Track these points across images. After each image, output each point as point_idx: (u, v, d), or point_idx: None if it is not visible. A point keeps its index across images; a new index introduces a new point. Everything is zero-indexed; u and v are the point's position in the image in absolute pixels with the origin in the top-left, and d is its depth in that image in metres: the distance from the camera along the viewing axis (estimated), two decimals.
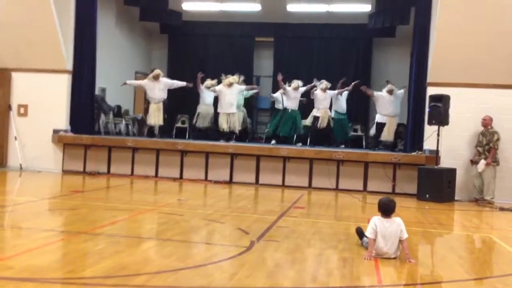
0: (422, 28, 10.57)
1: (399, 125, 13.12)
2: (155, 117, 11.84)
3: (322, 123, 11.82)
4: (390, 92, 11.44)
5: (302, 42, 15.70)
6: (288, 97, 12.04)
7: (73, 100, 11.68)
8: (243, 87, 12.27)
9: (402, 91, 11.56)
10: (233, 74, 12.13)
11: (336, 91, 12.15)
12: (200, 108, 12.72)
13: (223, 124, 11.74)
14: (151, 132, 12.18)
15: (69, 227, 6.11)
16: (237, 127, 11.89)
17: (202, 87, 12.59)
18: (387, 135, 11.49)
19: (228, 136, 11.78)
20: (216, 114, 12.21)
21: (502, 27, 9.53)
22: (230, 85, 11.85)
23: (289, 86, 12.10)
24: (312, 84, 12.12)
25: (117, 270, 4.17)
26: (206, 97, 12.67)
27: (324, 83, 11.97)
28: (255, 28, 15.80)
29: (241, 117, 12.42)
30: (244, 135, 12.64)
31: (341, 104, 12.41)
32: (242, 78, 12.44)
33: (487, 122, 9.73)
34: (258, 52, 16.27)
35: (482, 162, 9.52)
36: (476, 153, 9.80)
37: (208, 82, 12.53)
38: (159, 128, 12.04)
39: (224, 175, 10.95)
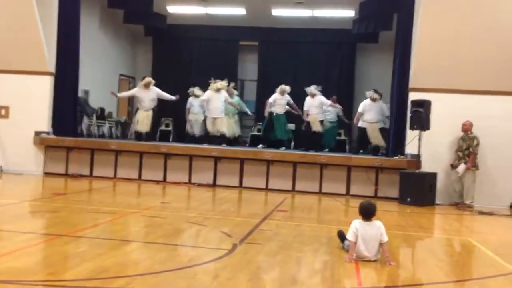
0: (405, 34, 10.71)
1: (381, 129, 13.31)
2: (144, 124, 11.86)
3: (314, 127, 11.92)
4: (373, 100, 11.51)
5: (286, 46, 15.78)
6: (275, 102, 12.11)
7: (55, 102, 11.58)
8: (229, 99, 12.35)
9: (386, 106, 11.76)
10: (222, 79, 12.19)
11: (329, 102, 12.24)
12: (190, 117, 12.94)
13: (210, 128, 11.91)
14: (139, 138, 12.14)
15: (50, 229, 6.06)
16: (226, 131, 11.96)
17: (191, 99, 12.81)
18: (375, 140, 11.52)
19: (218, 140, 11.84)
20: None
21: (483, 34, 9.71)
22: (217, 90, 11.92)
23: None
24: (302, 114, 12.17)
25: (98, 272, 4.16)
26: (195, 106, 12.78)
27: (312, 88, 12.05)
28: (240, 32, 15.83)
29: (232, 124, 12.50)
30: (234, 141, 12.66)
31: (332, 115, 12.70)
32: (230, 84, 12.57)
33: (467, 127, 9.89)
34: (243, 56, 16.30)
35: (462, 166, 9.68)
36: (456, 157, 9.95)
37: (193, 90, 12.56)
38: (146, 134, 12.04)
39: (208, 178, 10.94)
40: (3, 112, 11.44)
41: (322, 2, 13.71)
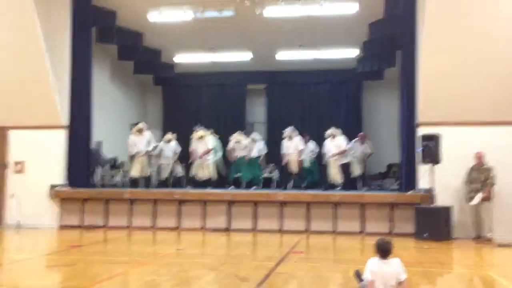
0: (409, 70, 10.83)
1: (393, 164, 13.41)
2: (138, 170, 12.33)
3: (290, 168, 12.41)
4: (332, 136, 12.14)
5: (293, 88, 16.05)
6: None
7: (69, 154, 11.76)
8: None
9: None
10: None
11: (302, 145, 12.62)
12: (162, 161, 13.37)
13: (199, 173, 12.47)
14: (135, 183, 12.56)
15: (67, 283, 6.07)
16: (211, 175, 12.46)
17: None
18: (335, 175, 12.00)
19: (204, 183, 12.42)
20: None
21: (485, 66, 9.84)
22: (200, 137, 12.49)
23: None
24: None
25: None
26: (166, 150, 13.28)
27: (287, 132, 12.51)
28: (247, 76, 16.17)
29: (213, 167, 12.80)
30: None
31: (313, 153, 13.09)
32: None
33: (480, 158, 9.83)
34: (251, 100, 16.58)
35: (479, 196, 9.54)
36: (471, 190, 9.80)
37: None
38: (145, 179, 12.52)
39: (222, 222, 10.94)
40: (19, 167, 11.65)
41: (325, 43, 14.01)
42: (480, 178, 9.71)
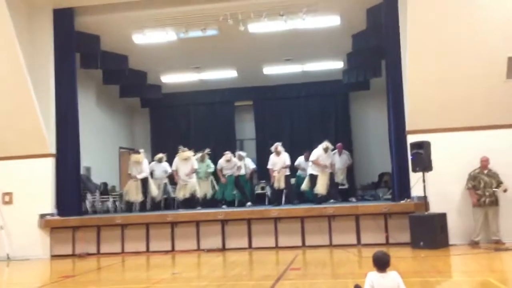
0: (394, 79, 10.85)
1: (384, 174, 13.42)
2: (133, 194, 12.40)
3: (279, 184, 12.29)
4: (326, 150, 12.01)
5: (280, 103, 16.06)
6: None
7: (58, 182, 11.57)
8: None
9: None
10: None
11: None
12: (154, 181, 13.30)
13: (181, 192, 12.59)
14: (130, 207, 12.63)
15: None
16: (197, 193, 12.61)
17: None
18: (321, 188, 11.86)
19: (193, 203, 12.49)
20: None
21: (472, 71, 9.85)
22: (186, 159, 12.50)
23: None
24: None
25: None
26: (156, 170, 13.30)
27: (278, 147, 12.41)
28: (234, 93, 16.17)
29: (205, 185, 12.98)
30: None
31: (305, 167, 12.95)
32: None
33: (487, 163, 9.76)
34: (239, 116, 16.55)
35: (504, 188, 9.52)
36: (486, 193, 9.62)
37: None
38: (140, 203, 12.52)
39: (216, 242, 10.80)
40: (6, 198, 11.45)
41: (310, 56, 14.07)
42: (491, 182, 9.68)
